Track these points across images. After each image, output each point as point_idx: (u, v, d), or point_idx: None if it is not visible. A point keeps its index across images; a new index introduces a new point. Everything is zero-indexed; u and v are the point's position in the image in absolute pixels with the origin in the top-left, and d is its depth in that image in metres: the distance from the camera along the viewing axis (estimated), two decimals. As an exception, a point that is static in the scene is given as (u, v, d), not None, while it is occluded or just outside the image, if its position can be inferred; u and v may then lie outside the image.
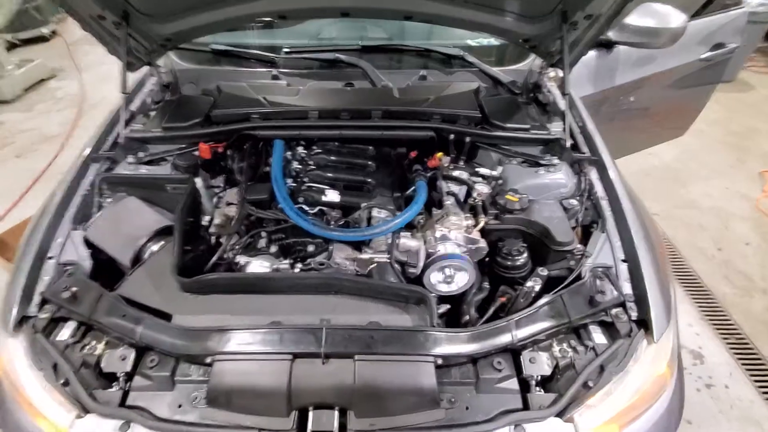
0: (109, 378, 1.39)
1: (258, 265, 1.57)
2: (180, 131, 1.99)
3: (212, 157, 1.99)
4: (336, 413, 1.27)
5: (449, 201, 1.78)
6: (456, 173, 2.01)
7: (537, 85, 2.40)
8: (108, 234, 1.69)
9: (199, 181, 1.93)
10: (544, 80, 2.38)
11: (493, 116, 2.10)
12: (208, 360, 1.33)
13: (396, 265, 1.57)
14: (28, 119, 5.41)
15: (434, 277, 1.58)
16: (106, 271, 1.70)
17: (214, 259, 1.62)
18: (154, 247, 1.68)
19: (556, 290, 1.53)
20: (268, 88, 2.20)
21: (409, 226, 1.80)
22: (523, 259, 1.70)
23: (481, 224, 1.70)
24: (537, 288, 1.62)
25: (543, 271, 1.66)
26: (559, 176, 1.92)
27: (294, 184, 1.83)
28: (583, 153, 2.01)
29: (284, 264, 1.61)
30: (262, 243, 1.64)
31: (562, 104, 2.22)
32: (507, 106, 2.21)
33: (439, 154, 2.11)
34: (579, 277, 1.59)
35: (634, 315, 1.46)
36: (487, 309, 1.63)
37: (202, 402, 1.30)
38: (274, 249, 1.62)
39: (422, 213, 1.84)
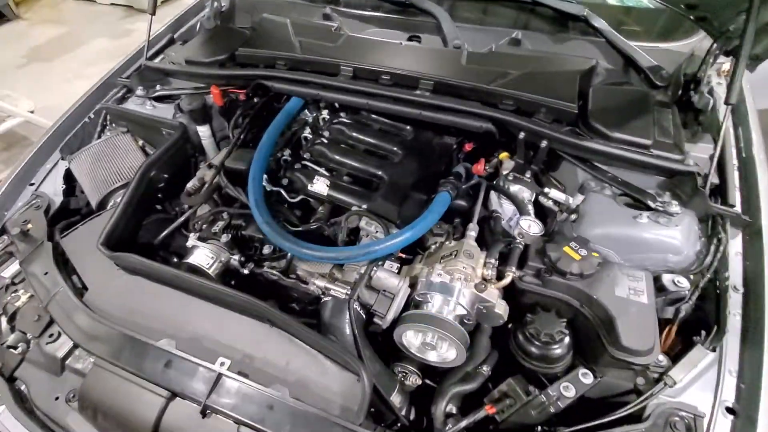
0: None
1: (201, 255, 1.25)
2: (198, 68, 1.71)
3: (228, 105, 1.69)
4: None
5: (472, 232, 1.22)
6: (514, 188, 1.41)
7: (696, 79, 1.56)
8: (88, 169, 1.53)
9: (204, 130, 1.66)
10: (709, 74, 1.53)
11: (598, 115, 1.40)
12: (91, 359, 1.09)
13: (357, 308, 1.11)
14: (158, 30, 5.63)
15: (408, 337, 1.10)
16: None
17: (167, 232, 1.35)
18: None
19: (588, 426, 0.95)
20: (310, 29, 1.77)
21: (420, 247, 1.31)
22: (559, 350, 1.10)
23: (506, 281, 1.13)
24: (565, 401, 1.04)
25: (586, 377, 1.07)
26: (673, 234, 1.20)
27: (289, 158, 1.44)
28: (731, 206, 1.23)
29: (234, 259, 1.27)
30: (218, 227, 1.31)
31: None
32: (628, 104, 1.46)
33: (503, 155, 1.51)
34: (638, 417, 0.97)
35: None
36: (481, 402, 1.11)
37: (76, 404, 1.08)
38: (226, 238, 1.28)
39: (445, 233, 1.31)
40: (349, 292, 1.11)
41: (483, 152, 1.55)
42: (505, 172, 1.46)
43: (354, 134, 1.52)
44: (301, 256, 1.14)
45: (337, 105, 1.66)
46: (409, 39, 1.79)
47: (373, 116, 1.63)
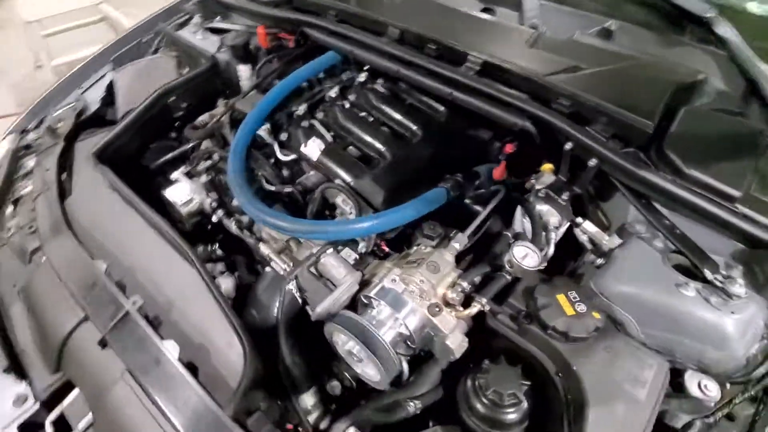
0: None
1: (178, 189, 1.21)
2: (253, 5, 1.65)
3: (275, 49, 1.62)
4: (89, 416, 0.92)
5: (455, 243, 1.01)
6: (542, 207, 1.14)
7: None
8: (127, 84, 1.58)
9: (244, 70, 1.62)
10: None
11: (679, 142, 1.06)
12: (44, 257, 1.11)
13: (293, 289, 0.98)
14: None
15: (337, 338, 0.94)
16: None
17: (162, 160, 1.34)
18: (143, 117, 1.49)
19: None
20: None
21: (408, 245, 1.14)
22: (512, 415, 0.87)
23: (470, 311, 0.91)
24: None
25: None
26: (724, 322, 0.88)
27: (301, 114, 1.32)
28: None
29: (207, 203, 1.21)
30: (203, 166, 1.25)
31: None
32: (726, 139, 1.09)
33: (546, 167, 1.24)
34: None
35: None
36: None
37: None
38: (205, 179, 1.22)
39: (437, 237, 1.10)
40: (288, 269, 0.99)
41: (529, 160, 1.29)
42: (538, 187, 1.20)
43: (379, 105, 1.35)
44: (250, 215, 1.04)
45: (380, 70, 1.50)
46: (483, 10, 1.54)
47: (413, 91, 1.44)
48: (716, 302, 0.89)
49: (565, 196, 1.16)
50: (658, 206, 1.07)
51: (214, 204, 1.21)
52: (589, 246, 1.14)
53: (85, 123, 1.50)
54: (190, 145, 1.34)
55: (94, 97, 1.59)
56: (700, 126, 1.11)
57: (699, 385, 0.84)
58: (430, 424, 0.99)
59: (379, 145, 1.22)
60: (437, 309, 0.90)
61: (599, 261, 1.06)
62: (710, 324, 0.88)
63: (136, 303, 0.95)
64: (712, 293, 0.90)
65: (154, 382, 0.85)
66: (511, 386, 0.86)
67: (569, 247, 1.16)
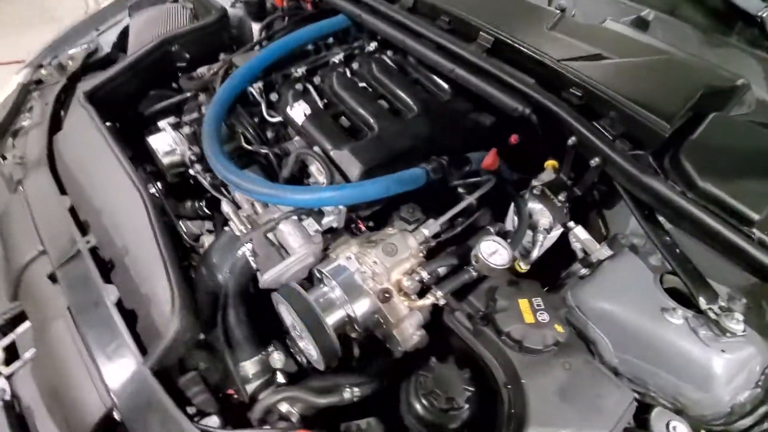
0: None
1: (161, 138, 1.19)
2: (275, -39, 1.60)
3: (291, 9, 1.57)
4: (33, 350, 0.93)
5: (424, 230, 0.93)
6: (534, 205, 1.04)
7: None
8: (138, 30, 1.57)
9: (257, 28, 1.58)
10: None
11: (697, 152, 0.92)
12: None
13: (248, 253, 0.93)
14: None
15: (283, 311, 0.90)
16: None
17: (155, 108, 1.33)
18: (148, 63, 1.47)
19: None
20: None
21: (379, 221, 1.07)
22: (458, 419, 0.80)
23: (423, 302, 0.83)
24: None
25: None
26: (711, 361, 0.77)
27: (299, 75, 1.26)
28: None
29: (188, 154, 1.18)
30: (190, 118, 1.22)
31: None
32: (755, 154, 0.94)
33: (550, 164, 1.14)
34: None
35: None
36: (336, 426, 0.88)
37: None
38: (188, 130, 1.19)
39: (413, 221, 1.03)
40: (245, 231, 0.94)
41: (537, 154, 1.18)
42: (534, 183, 1.09)
43: (380, 76, 1.27)
44: (214, 169, 1.00)
45: (386, 38, 1.42)
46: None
47: (421, 66, 1.35)
48: (705, 336, 0.77)
49: (562, 196, 1.05)
50: (662, 220, 0.95)
51: (194, 158, 1.18)
52: (580, 255, 1.03)
53: (94, 64, 1.51)
54: (186, 96, 1.32)
55: (108, 40, 1.60)
56: (728, 137, 0.96)
57: (667, 426, 0.74)
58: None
59: (369, 117, 1.14)
60: (387, 295, 0.83)
61: (584, 272, 0.96)
62: (694, 359, 0.77)
63: (89, 243, 0.94)
64: (703, 325, 0.79)
65: (88, 323, 0.84)
66: (451, 390, 0.78)
67: (566, 254, 1.07)
